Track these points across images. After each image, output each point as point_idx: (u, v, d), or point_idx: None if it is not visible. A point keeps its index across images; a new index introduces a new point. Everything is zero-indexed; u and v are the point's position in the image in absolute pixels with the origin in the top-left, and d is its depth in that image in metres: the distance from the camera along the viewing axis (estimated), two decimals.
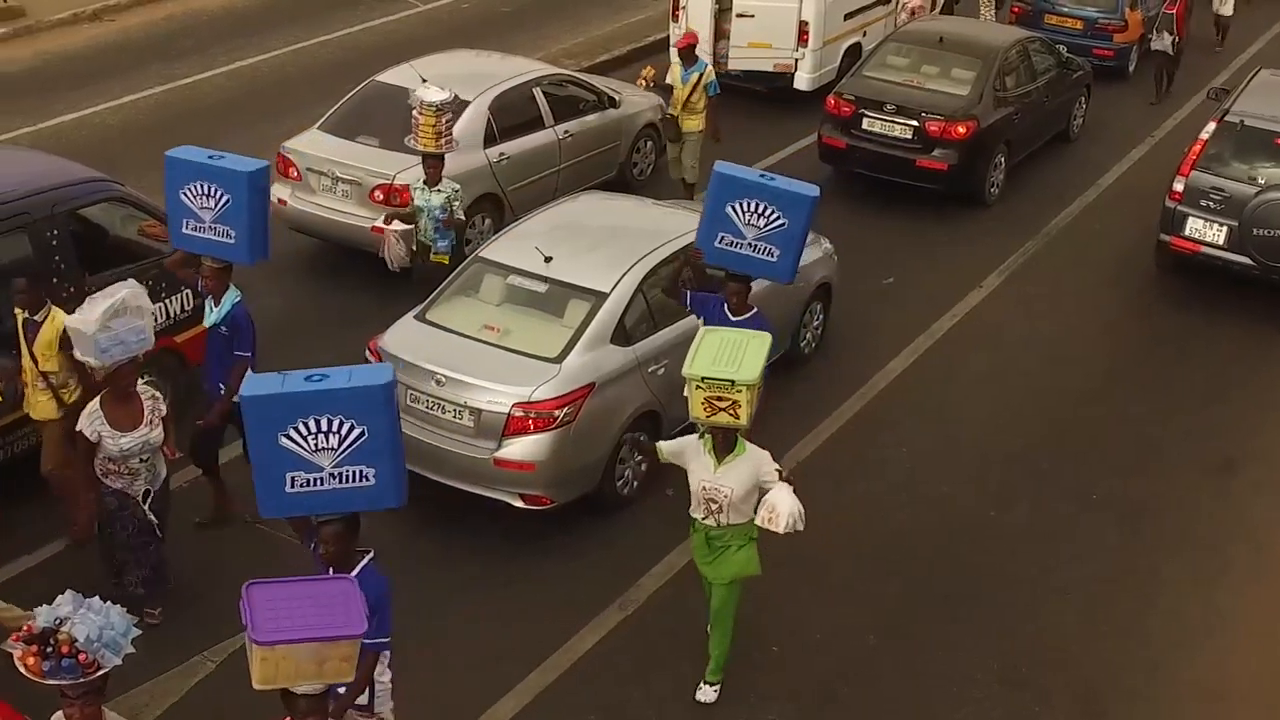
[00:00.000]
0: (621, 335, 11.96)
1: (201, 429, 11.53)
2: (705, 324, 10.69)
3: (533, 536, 11.80)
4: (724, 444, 9.67)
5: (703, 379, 9.35)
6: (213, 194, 11.07)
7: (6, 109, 20.23)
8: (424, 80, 14.39)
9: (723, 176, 11.44)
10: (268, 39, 23.20)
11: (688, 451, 9.90)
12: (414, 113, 13.85)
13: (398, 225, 14.03)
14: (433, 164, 13.80)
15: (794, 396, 13.91)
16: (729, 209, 11.30)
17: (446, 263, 13.70)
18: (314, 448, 8.19)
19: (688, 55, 17.23)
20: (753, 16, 20.69)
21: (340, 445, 8.21)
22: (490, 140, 15.92)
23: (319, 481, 8.31)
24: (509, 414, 11.35)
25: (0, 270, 11.74)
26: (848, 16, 21.49)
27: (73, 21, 23.97)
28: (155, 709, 10.06)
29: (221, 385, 11.34)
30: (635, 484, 12.27)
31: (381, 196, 15.11)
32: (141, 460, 10.20)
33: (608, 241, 12.81)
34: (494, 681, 10.47)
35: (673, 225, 13.07)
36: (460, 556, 11.69)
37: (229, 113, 20.17)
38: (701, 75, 17.13)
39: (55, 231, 11.84)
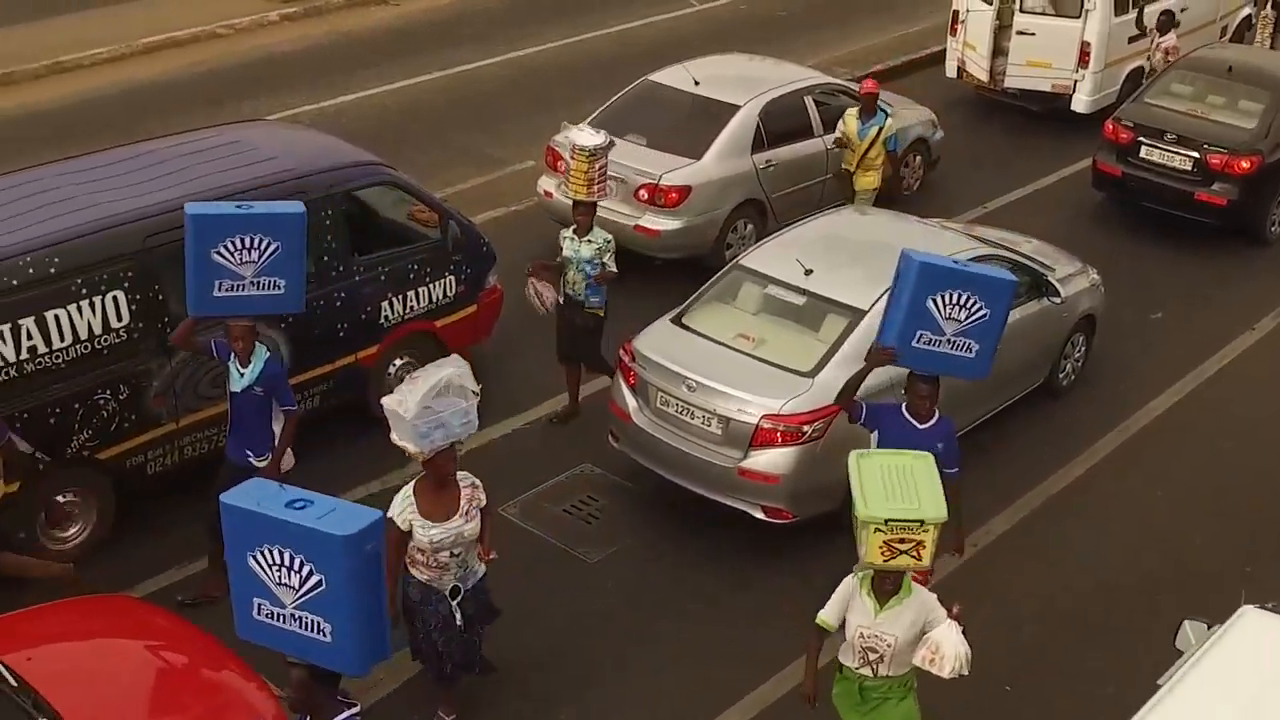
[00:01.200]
0: None
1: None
2: (881, 437, 10.04)
3: (770, 549, 11.70)
4: (889, 586, 8.44)
5: (886, 521, 8.09)
6: (256, 245, 10.27)
7: (292, 86, 20.89)
8: (598, 132, 13.17)
9: (924, 266, 10.04)
10: (545, 30, 23.49)
11: (845, 597, 8.65)
12: (566, 156, 13.12)
13: (547, 293, 13.07)
14: (583, 212, 12.85)
15: (1052, 424, 13.59)
16: (930, 303, 10.00)
17: (602, 315, 13.07)
18: (277, 580, 7.48)
19: (869, 106, 16.10)
20: (1033, 34, 20.23)
21: (300, 587, 7.46)
22: (758, 146, 15.85)
23: (281, 618, 7.58)
24: (757, 425, 11.28)
25: None
26: (1131, 40, 20.87)
27: (361, 4, 24.63)
28: (378, 693, 10.21)
29: (249, 452, 10.62)
30: None
31: (646, 196, 15.19)
32: (453, 555, 9.33)
33: (869, 257, 12.63)
34: (719, 691, 10.45)
35: (938, 246, 12.78)
36: (699, 559, 11.68)
37: (502, 102, 20.49)
38: (881, 129, 16.00)
39: (329, 212, 12.15)
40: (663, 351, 11.93)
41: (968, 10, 20.68)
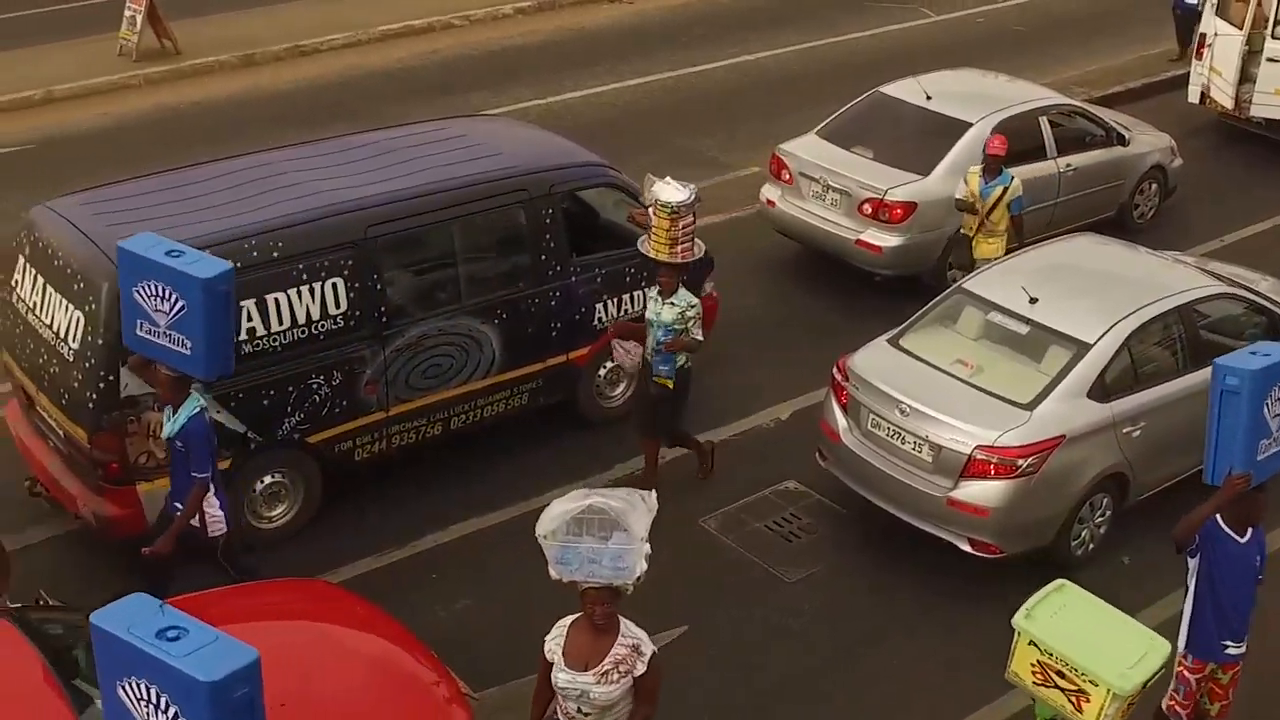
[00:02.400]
0: (1100, 390, 11.34)
1: (146, 556, 9.84)
2: (1205, 558, 8.91)
3: (975, 582, 11.34)
4: None
5: (1052, 653, 7.68)
6: (166, 296, 9.48)
7: (522, 79, 21.03)
8: (667, 180, 11.81)
9: (1259, 374, 8.67)
10: (776, 35, 23.31)
11: None
12: (650, 210, 11.85)
13: (634, 350, 12.04)
14: (665, 273, 11.68)
15: None
16: (1264, 407, 8.73)
17: (670, 386, 11.92)
18: (143, 716, 6.45)
19: (992, 165, 14.40)
20: None
21: None
22: None
23: None
24: (970, 455, 10.94)
25: (497, 242, 12.20)
26: None
27: (594, 1, 24.70)
28: None
29: (176, 505, 9.95)
30: (1091, 546, 11.64)
31: (870, 210, 14.90)
32: (581, 711, 7.70)
33: (1098, 289, 12.19)
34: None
35: (1170, 281, 12.33)
36: (901, 587, 11.38)
37: (730, 106, 20.36)
38: (1005, 189, 14.35)
39: (550, 211, 12.12)
40: (877, 372, 11.65)
41: (1215, 34, 19.92)
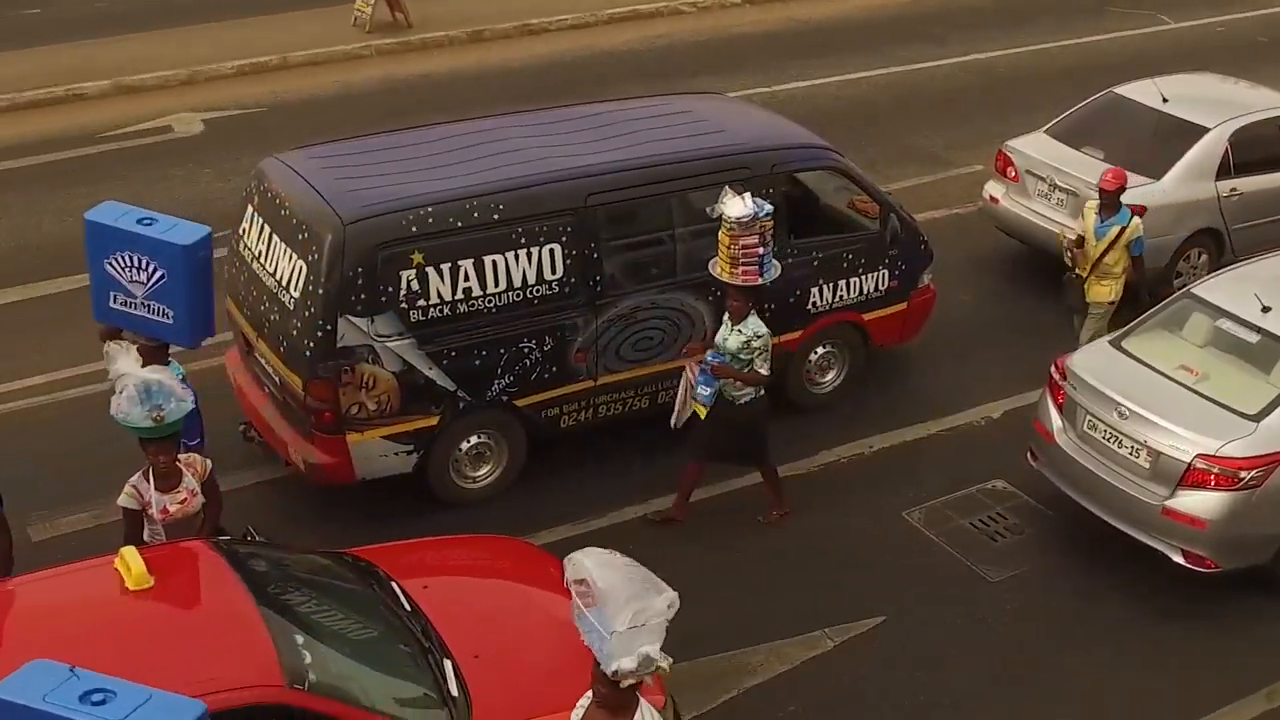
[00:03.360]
0: None
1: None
2: None
3: (1188, 597, 10.96)
4: None
5: None
6: (144, 266, 9.43)
7: (746, 67, 20.96)
8: (753, 200, 10.84)
9: None
10: (1007, 35, 22.88)
11: None
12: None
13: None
14: (734, 295, 10.92)
15: None
16: None
17: (703, 415, 11.14)
18: None
19: (1110, 200, 13.15)
20: None
21: None
22: (1224, 173, 14.88)
23: None
24: (1190, 464, 10.54)
25: (716, 221, 12.07)
26: None
27: None
28: (767, 671, 10.09)
29: None
30: None
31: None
32: None
33: None
34: None
35: None
36: (1109, 596, 11.04)
37: (955, 103, 20.04)
38: (1124, 229, 13.03)
39: (770, 191, 11.99)
40: (1097, 374, 11.30)
41: None
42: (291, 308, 10.75)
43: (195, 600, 8.23)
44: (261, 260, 11.23)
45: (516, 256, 11.05)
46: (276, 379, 11.12)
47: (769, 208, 10.84)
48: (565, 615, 9.08)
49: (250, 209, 11.54)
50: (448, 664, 8.28)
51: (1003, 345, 14.12)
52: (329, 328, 10.55)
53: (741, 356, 10.87)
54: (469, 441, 11.35)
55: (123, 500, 8.96)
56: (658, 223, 11.84)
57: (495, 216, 10.96)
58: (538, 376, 11.36)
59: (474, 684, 8.21)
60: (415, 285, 10.72)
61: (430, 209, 10.73)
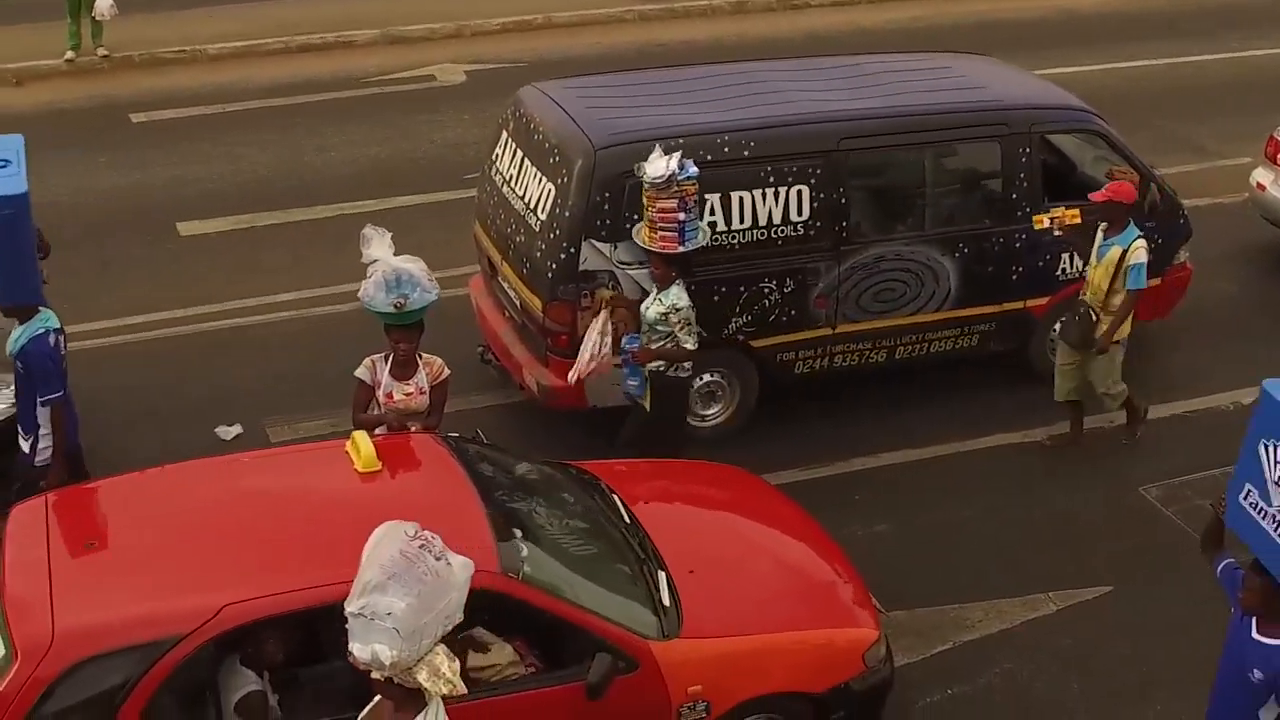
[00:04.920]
0: None
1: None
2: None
3: None
4: None
5: None
6: None
7: (1004, 52, 20.24)
8: (670, 157, 10.04)
9: None
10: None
11: None
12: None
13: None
14: (654, 263, 10.19)
15: None
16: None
17: (646, 407, 10.38)
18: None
19: (1113, 215, 11.15)
20: None
21: None
22: None
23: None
24: None
25: (968, 175, 11.95)
26: None
27: None
28: (984, 628, 9.89)
29: (20, 428, 9.40)
30: None
31: None
32: None
33: None
34: None
35: None
36: None
37: (1224, 97, 19.33)
38: (1126, 251, 11.04)
39: (1028, 150, 11.74)
40: None
41: None
42: (537, 229, 10.87)
43: (418, 486, 8.36)
44: (511, 184, 11.38)
45: (764, 195, 10.99)
46: (517, 302, 11.25)
47: (692, 170, 10.06)
48: (783, 540, 9.14)
49: (504, 134, 11.72)
50: (662, 575, 8.26)
51: (1261, 335, 13.57)
52: (572, 250, 10.63)
53: (659, 329, 10.10)
54: (701, 379, 11.30)
55: (359, 372, 9.24)
56: (909, 173, 11.67)
57: (745, 153, 10.92)
58: (776, 319, 11.28)
59: (686, 598, 8.18)
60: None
61: (681, 141, 10.69)
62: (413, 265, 9.02)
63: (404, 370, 9.14)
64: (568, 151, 10.76)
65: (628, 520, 8.71)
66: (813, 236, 11.19)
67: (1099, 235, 11.25)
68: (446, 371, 9.38)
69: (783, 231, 11.09)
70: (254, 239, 14.64)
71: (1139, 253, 10.96)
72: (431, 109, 18.00)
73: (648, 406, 10.38)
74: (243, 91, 18.40)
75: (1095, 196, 11.08)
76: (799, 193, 11.07)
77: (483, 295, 12.13)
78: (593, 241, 10.62)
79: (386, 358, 9.22)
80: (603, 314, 10.56)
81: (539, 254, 10.83)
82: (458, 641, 7.88)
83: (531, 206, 10.99)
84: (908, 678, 9.20)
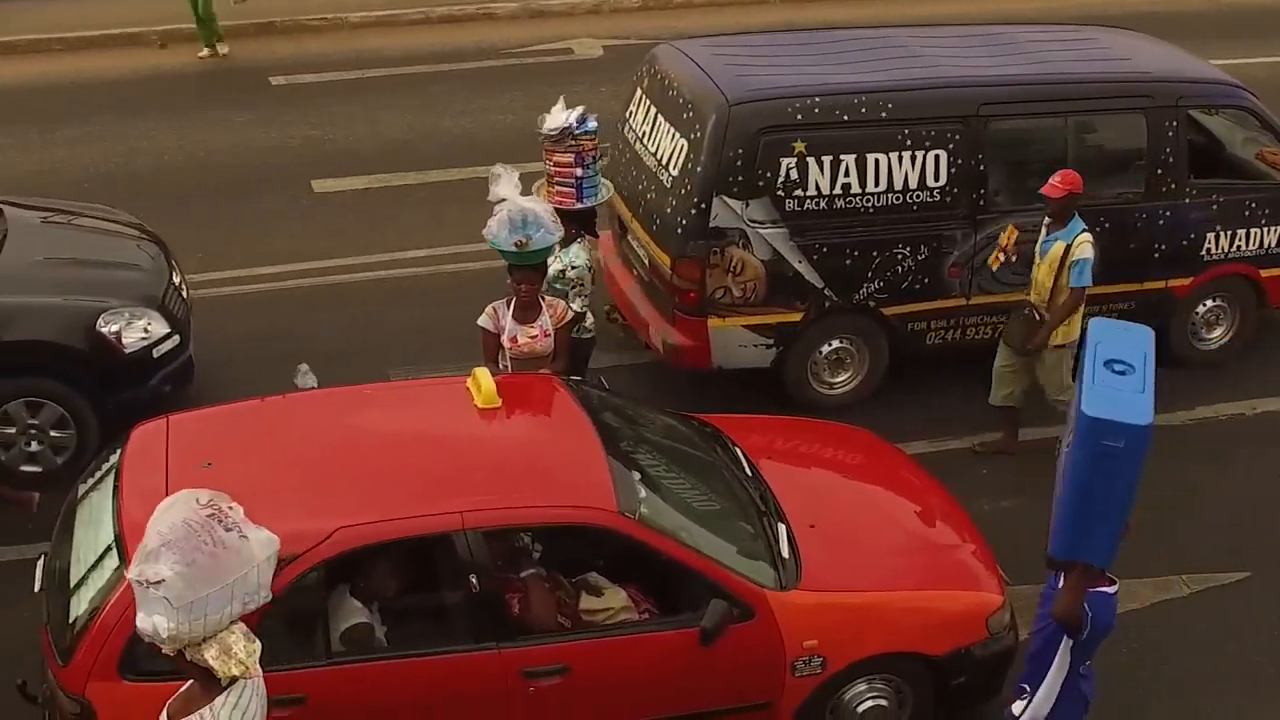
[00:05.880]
0: None
1: None
2: None
3: None
4: None
5: None
6: None
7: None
8: (567, 111, 9.92)
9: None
10: None
11: None
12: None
13: None
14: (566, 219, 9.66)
15: None
16: None
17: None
18: None
19: (1055, 209, 10.35)
20: None
21: None
22: None
23: None
24: None
25: (1110, 147, 11.62)
26: None
27: None
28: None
29: None
30: None
31: None
32: None
33: None
34: None
35: None
36: None
37: None
38: (1070, 246, 10.31)
39: (1174, 124, 11.40)
40: None
41: None
42: (669, 185, 10.75)
43: (538, 425, 8.32)
44: (644, 141, 11.28)
45: (900, 159, 10.77)
46: (646, 260, 11.14)
47: (592, 125, 9.83)
48: (909, 509, 8.92)
49: (639, 91, 11.63)
50: (781, 528, 8.10)
51: None
52: (703, 206, 10.49)
53: (555, 286, 9.71)
54: (830, 345, 11.11)
55: (481, 320, 9.18)
56: (1049, 143, 11.29)
57: (883, 115, 10.72)
58: (909, 286, 11.05)
59: (806, 551, 8.01)
60: (794, 174, 10.55)
61: (817, 99, 10.56)
62: (538, 206, 8.97)
63: (526, 313, 9.06)
64: (702, 107, 10.63)
65: (749, 472, 8.56)
66: (949, 203, 10.94)
67: (1042, 231, 10.51)
68: (570, 313, 9.29)
69: (918, 197, 10.85)
70: (387, 197, 14.72)
71: (1084, 248, 10.25)
72: (568, 81, 17.85)
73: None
74: (382, 59, 18.47)
75: (1049, 191, 10.24)
76: (936, 158, 10.83)
77: (612, 255, 12.04)
78: (724, 198, 10.48)
79: (509, 303, 9.15)
80: None
81: (669, 210, 10.71)
82: (572, 584, 7.86)
83: (663, 163, 10.88)
84: None
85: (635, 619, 7.74)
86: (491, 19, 20.21)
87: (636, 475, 7.80)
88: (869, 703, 8.00)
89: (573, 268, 9.78)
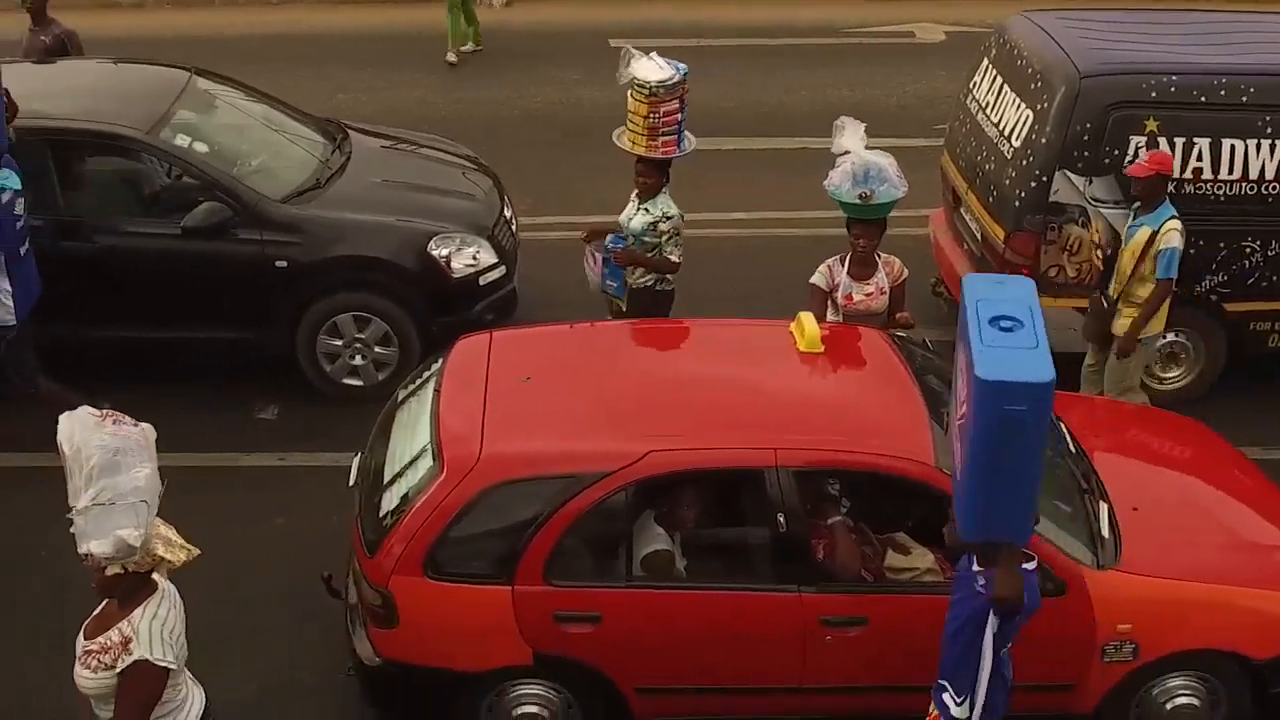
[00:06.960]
0: None
1: None
2: None
3: None
4: None
5: None
6: None
7: None
8: (651, 56, 9.67)
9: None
10: None
11: None
12: (628, 93, 9.71)
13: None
14: (643, 172, 9.56)
15: None
16: None
17: (623, 308, 9.74)
18: None
19: (1145, 192, 9.63)
20: None
21: None
22: None
23: None
24: None
25: None
26: None
27: None
28: None
29: None
30: None
31: None
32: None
33: None
34: None
35: None
36: None
37: None
38: (1156, 233, 9.55)
39: None
40: None
41: None
42: (1009, 157, 10.41)
43: (858, 372, 8.18)
44: (987, 111, 10.95)
45: (1258, 146, 10.17)
46: (978, 233, 10.81)
47: (684, 67, 9.56)
48: (1240, 505, 8.45)
49: (985, 61, 11.31)
50: (1103, 506, 7.75)
51: None
52: (1044, 179, 10.12)
53: (646, 239, 9.50)
54: (1164, 337, 10.54)
55: (814, 278, 9.02)
56: None
57: (1243, 99, 10.15)
58: (1255, 282, 10.45)
59: (1127, 533, 7.64)
60: (1143, 154, 10.09)
61: (1174, 78, 10.09)
62: (883, 159, 8.77)
63: (863, 269, 8.88)
64: (1051, 78, 10.25)
65: (1073, 449, 8.22)
66: None
67: (1130, 215, 9.81)
68: (906, 272, 9.09)
69: (1274, 188, 10.26)
70: (706, 161, 14.65)
71: (1171, 235, 9.47)
72: (908, 63, 17.75)
73: (624, 309, 9.75)
74: (717, 29, 18.50)
75: (1135, 170, 9.59)
76: None
77: (942, 229, 11.75)
78: (1067, 173, 10.09)
79: (843, 259, 8.98)
80: (587, 251, 9.99)
81: (1008, 182, 10.37)
82: (879, 540, 7.67)
83: (1005, 133, 10.54)
84: None
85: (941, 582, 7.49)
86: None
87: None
88: (1180, 699, 7.59)
89: (666, 218, 9.58)
